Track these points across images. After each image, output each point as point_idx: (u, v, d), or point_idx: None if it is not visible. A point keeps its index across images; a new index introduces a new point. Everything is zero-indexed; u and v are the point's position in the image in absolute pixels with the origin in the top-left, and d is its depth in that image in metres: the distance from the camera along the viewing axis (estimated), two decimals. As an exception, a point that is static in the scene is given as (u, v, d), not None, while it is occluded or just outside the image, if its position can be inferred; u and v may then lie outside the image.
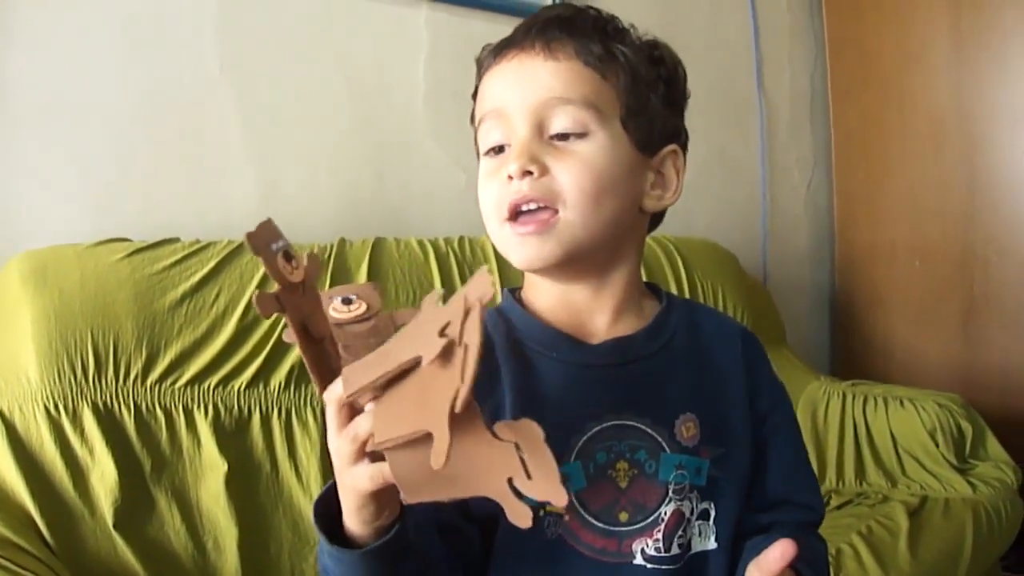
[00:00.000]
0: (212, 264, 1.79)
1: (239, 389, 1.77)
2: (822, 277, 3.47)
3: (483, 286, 0.70)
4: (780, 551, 0.87)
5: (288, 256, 0.75)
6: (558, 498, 0.67)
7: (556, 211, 0.95)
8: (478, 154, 1.06)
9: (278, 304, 0.74)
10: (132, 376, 1.67)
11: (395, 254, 2.02)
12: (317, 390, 0.79)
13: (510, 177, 0.95)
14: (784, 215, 3.32)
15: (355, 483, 0.76)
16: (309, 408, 1.83)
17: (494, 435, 0.68)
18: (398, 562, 0.82)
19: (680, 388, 1.03)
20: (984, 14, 2.87)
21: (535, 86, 0.97)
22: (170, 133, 2.04)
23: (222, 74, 2.10)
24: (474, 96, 1.08)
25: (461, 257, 2.10)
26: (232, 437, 1.75)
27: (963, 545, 2.08)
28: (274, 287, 0.75)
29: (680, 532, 0.99)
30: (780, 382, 1.17)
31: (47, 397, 1.60)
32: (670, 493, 0.99)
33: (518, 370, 1.00)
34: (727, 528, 1.03)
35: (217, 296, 1.77)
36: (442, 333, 0.68)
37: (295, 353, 1.80)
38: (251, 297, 1.74)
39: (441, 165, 2.40)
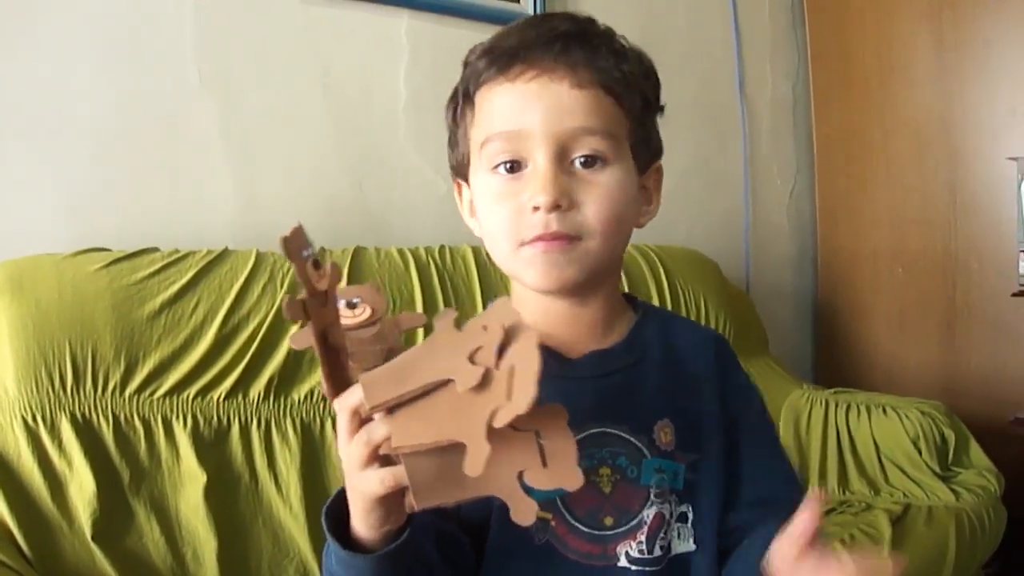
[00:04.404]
0: (191, 274, 1.78)
1: (218, 400, 1.76)
2: (805, 285, 3.48)
3: (508, 314, 0.74)
4: (808, 513, 0.86)
5: (316, 264, 0.76)
6: (573, 481, 0.71)
7: (579, 238, 0.97)
8: (466, 161, 1.06)
9: (304, 311, 0.75)
10: (110, 387, 1.66)
11: (375, 263, 2.02)
12: (329, 398, 0.80)
13: (535, 208, 0.95)
14: (766, 223, 3.33)
15: (365, 487, 0.77)
16: (288, 419, 1.82)
17: (513, 427, 0.70)
18: (406, 568, 0.84)
19: (655, 396, 1.05)
20: (965, 23, 2.89)
21: (561, 114, 0.97)
22: (149, 143, 2.03)
23: (201, 84, 2.09)
24: (464, 98, 1.06)
25: (442, 266, 2.10)
26: (211, 448, 1.74)
27: (946, 553, 2.08)
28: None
29: (662, 534, 1.01)
30: (752, 383, 1.20)
31: (24, 408, 1.59)
32: (652, 496, 1.01)
33: None
34: (705, 530, 1.05)
35: (196, 306, 1.76)
36: (472, 358, 0.72)
37: (274, 363, 1.80)
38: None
39: (422, 174, 2.40)
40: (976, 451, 2.39)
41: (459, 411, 0.70)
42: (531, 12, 2.53)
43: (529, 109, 0.98)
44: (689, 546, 1.04)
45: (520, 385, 0.68)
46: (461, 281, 2.10)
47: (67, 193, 1.93)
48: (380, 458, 0.76)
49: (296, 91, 2.25)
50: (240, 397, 1.78)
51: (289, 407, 1.83)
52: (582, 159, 0.97)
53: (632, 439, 1.01)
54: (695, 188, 3.07)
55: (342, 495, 0.83)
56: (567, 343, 1.05)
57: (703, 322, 2.52)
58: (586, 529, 0.99)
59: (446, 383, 0.72)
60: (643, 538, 0.99)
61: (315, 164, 2.27)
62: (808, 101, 3.45)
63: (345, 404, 0.77)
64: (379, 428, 0.74)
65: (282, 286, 1.85)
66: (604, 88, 0.99)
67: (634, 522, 1.00)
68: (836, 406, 2.50)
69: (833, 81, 3.37)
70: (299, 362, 1.84)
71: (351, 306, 0.83)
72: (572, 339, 1.05)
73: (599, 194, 0.97)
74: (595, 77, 0.99)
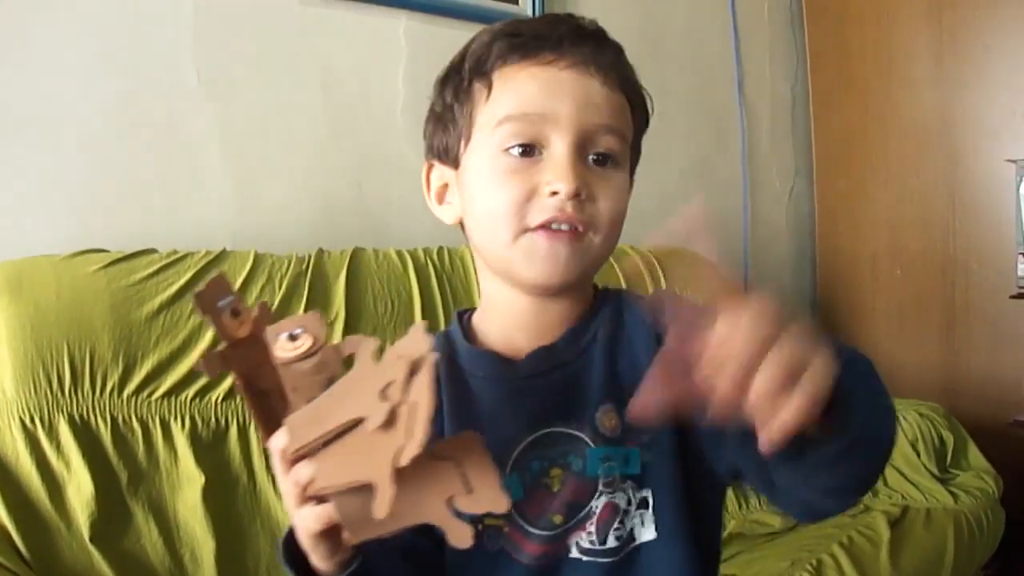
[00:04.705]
0: (189, 275, 1.78)
1: (216, 401, 1.76)
2: (803, 287, 3.48)
3: (419, 343, 0.74)
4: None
5: (236, 311, 0.76)
6: (499, 504, 0.71)
7: (586, 232, 0.97)
8: (464, 140, 1.06)
9: (223, 363, 0.75)
10: (109, 388, 1.66)
11: (373, 264, 2.02)
12: (263, 441, 0.80)
13: (553, 193, 0.95)
14: (765, 225, 3.33)
15: (302, 524, 0.78)
16: (287, 420, 1.82)
17: (434, 455, 0.71)
18: None
19: (598, 383, 1.02)
20: (965, 26, 2.89)
21: (590, 109, 0.98)
22: (147, 143, 2.02)
23: (200, 84, 2.09)
24: (477, 75, 1.06)
25: (440, 267, 2.10)
26: (209, 449, 1.74)
27: (945, 555, 2.08)
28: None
29: (617, 524, 0.99)
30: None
31: (23, 409, 1.59)
32: (600, 487, 0.99)
33: (454, 395, 1.02)
34: (670, 516, 1.00)
35: (194, 307, 1.76)
36: (383, 393, 0.71)
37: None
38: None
39: (421, 175, 2.38)
40: (974, 453, 2.39)
41: (369, 451, 0.69)
42: (529, 13, 2.52)
43: (560, 96, 0.98)
44: (649, 534, 1.00)
45: (417, 424, 0.68)
46: (459, 283, 2.10)
47: (65, 194, 1.92)
48: (314, 496, 0.76)
49: (294, 92, 2.24)
50: (238, 398, 1.78)
51: (286, 409, 1.82)
52: (597, 156, 0.98)
53: (577, 433, 1.00)
54: (693, 189, 3.06)
55: None
56: (527, 342, 1.04)
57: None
58: (538, 531, 0.98)
59: (361, 421, 0.71)
60: (593, 529, 0.98)
61: (313, 165, 2.27)
62: (807, 102, 3.45)
63: (274, 446, 0.77)
64: (304, 470, 0.74)
65: (280, 287, 1.85)
66: (625, 94, 1.02)
67: (582, 514, 0.98)
68: (835, 408, 2.49)
69: (832, 82, 3.37)
70: (297, 363, 1.83)
71: (292, 338, 0.83)
72: (532, 338, 1.04)
73: (611, 191, 0.98)
74: (620, 82, 1.01)
